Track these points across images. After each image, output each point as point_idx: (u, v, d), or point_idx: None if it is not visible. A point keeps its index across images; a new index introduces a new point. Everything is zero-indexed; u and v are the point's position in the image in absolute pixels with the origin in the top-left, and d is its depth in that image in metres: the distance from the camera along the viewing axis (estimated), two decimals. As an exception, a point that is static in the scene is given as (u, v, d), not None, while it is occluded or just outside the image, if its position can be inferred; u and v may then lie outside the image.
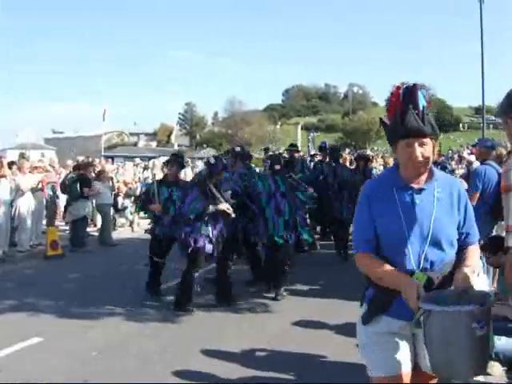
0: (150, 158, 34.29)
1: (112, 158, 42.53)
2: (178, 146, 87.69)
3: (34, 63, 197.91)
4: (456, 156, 30.53)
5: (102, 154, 45.24)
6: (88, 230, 15.52)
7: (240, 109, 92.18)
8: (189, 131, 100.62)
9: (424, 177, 3.23)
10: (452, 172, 15.92)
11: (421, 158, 3.10)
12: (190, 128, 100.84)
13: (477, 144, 9.08)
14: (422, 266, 3.10)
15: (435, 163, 18.25)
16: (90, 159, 22.12)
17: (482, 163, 8.20)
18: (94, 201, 15.46)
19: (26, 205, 13.64)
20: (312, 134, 53.06)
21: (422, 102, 3.16)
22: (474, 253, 3.30)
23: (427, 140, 3.12)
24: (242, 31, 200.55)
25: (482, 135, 26.79)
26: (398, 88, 3.26)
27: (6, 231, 13.09)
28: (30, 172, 14.34)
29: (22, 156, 15.16)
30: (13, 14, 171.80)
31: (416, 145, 3.09)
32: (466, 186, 7.52)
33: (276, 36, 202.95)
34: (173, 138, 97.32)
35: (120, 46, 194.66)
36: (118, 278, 10.47)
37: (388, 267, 3.10)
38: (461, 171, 17.56)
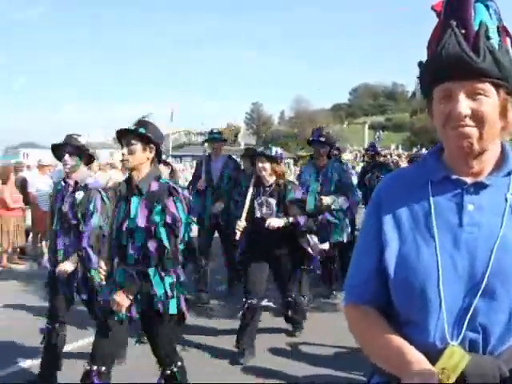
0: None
1: (180, 157, 43.03)
2: (245, 145, 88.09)
3: (100, 63, 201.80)
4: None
5: (170, 153, 45.87)
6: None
7: (306, 108, 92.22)
8: (255, 130, 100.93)
9: (486, 162, 1.71)
10: None
11: (469, 121, 1.61)
12: (256, 127, 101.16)
13: None
14: (462, 335, 1.60)
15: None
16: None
17: None
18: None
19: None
20: (378, 133, 52.60)
21: (479, 17, 1.64)
22: None
23: (485, 87, 1.60)
24: (309, 30, 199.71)
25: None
26: None
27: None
28: (100, 170, 14.69)
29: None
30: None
31: (461, 94, 1.61)
32: None
33: (343, 34, 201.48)
34: (239, 137, 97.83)
35: (186, 46, 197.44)
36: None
37: (391, 336, 1.69)
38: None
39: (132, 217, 4.22)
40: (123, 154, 4.32)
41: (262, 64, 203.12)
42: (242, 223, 6.42)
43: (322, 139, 8.12)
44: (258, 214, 6.44)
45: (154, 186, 4.28)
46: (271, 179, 6.48)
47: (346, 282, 1.89)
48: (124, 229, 4.26)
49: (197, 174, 9.23)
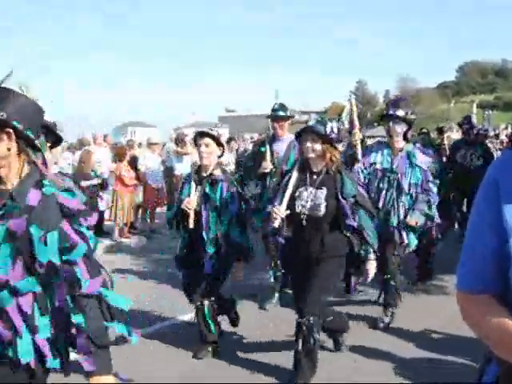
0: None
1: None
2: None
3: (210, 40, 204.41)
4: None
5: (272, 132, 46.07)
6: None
7: (412, 87, 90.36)
8: (360, 109, 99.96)
9: None
10: None
11: None
12: (361, 106, 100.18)
13: None
14: None
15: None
16: (262, 136, 22.66)
17: None
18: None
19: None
20: (487, 113, 50.70)
21: None
22: None
23: None
24: (412, 9, 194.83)
25: None
26: None
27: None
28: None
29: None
30: None
31: None
32: None
33: (448, 11, 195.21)
34: (343, 116, 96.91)
35: (286, 25, 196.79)
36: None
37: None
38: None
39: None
40: None
41: (367, 42, 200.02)
42: (281, 208, 4.94)
43: (400, 114, 6.44)
44: (299, 209, 5.00)
45: (34, 199, 2.62)
46: (321, 164, 5.03)
47: (459, 269, 1.78)
48: None
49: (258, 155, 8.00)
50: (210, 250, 5.53)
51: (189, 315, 5.90)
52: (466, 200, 10.58)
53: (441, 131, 13.73)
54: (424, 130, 13.11)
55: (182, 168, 13.50)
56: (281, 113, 7.67)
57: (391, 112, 6.47)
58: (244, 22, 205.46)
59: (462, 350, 5.64)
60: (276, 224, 4.90)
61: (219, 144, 5.72)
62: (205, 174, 5.63)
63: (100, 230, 12.53)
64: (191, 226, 5.52)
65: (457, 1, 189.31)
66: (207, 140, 5.58)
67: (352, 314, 6.65)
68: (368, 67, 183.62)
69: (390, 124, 6.49)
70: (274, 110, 7.74)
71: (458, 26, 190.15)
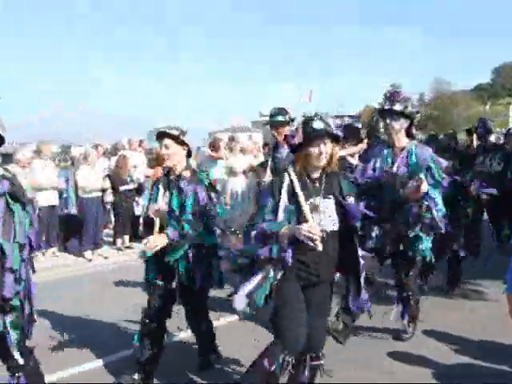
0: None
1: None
2: (381, 128, 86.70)
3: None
4: None
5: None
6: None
7: (447, 89, 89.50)
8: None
9: None
10: None
11: None
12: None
13: None
14: None
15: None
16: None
17: None
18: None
19: (239, 186, 14.21)
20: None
21: None
22: None
23: None
24: (446, 11, 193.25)
25: None
26: None
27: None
28: (240, 152, 14.94)
29: (231, 138, 15.77)
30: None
31: None
32: None
33: (481, 11, 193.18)
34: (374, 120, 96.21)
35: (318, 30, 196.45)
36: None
37: None
38: None
39: None
40: None
41: (401, 43, 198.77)
42: (313, 225, 3.83)
43: (398, 108, 5.75)
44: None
45: None
46: (320, 168, 4.11)
47: (508, 274, 1.83)
48: None
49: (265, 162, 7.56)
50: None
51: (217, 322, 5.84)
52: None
53: (470, 132, 13.59)
54: (450, 131, 12.93)
55: (216, 172, 13.54)
56: (280, 118, 7.17)
57: (387, 107, 5.83)
58: (272, 21, 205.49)
59: (501, 355, 5.62)
60: (320, 247, 3.81)
61: (182, 143, 5.06)
62: (173, 177, 5.09)
63: (135, 235, 12.66)
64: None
65: (491, 2, 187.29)
66: (166, 141, 5.00)
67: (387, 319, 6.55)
68: (403, 70, 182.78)
69: (387, 120, 5.88)
70: (271, 116, 7.22)
71: (493, 27, 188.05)
